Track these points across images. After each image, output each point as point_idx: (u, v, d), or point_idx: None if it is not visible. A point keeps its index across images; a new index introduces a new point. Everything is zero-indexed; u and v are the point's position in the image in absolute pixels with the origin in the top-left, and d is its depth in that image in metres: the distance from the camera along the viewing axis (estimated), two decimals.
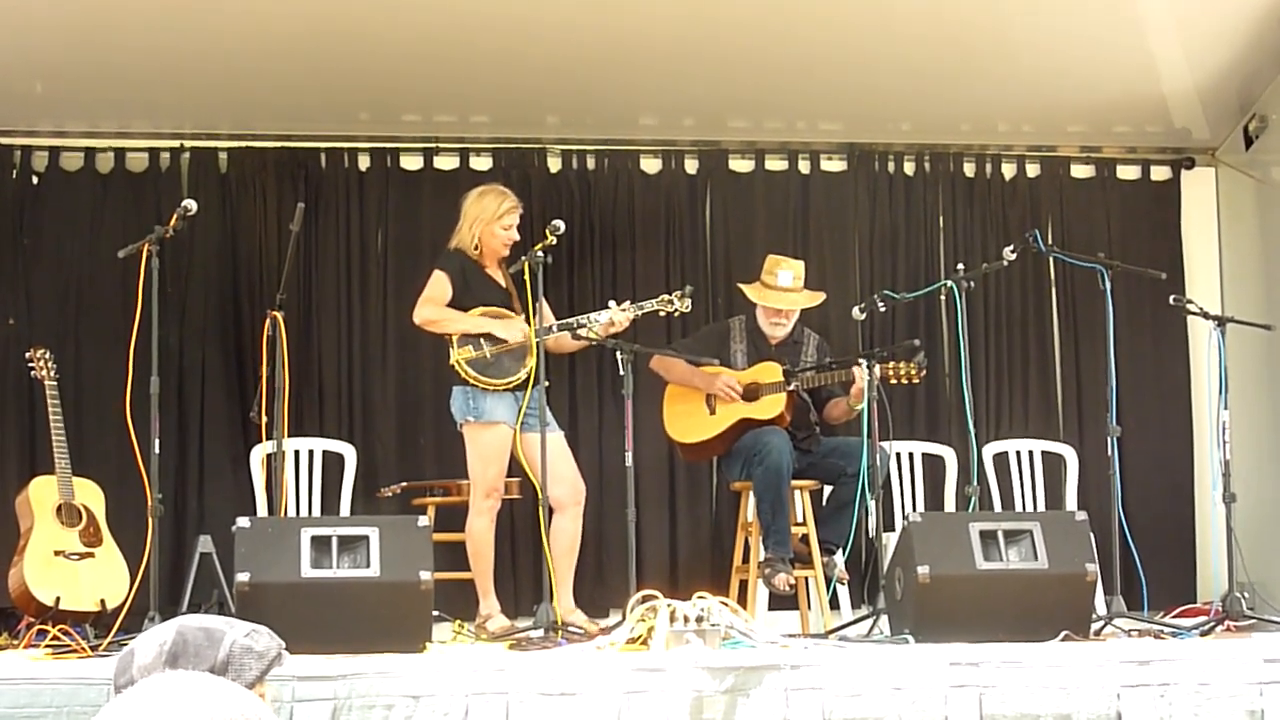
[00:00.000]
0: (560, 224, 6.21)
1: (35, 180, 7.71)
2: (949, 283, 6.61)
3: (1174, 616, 6.69)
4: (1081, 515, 5.71)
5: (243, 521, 5.26)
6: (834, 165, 8.21)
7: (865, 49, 7.33)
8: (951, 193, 8.23)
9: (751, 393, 6.73)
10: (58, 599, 6.04)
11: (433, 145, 7.96)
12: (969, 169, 8.26)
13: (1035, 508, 7.35)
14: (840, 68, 7.49)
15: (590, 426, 7.73)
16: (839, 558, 6.56)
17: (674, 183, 8.09)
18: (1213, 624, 5.93)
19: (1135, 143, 8.33)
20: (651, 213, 8.04)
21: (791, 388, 6.68)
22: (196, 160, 7.80)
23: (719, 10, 7.01)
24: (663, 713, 4.40)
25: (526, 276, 6.16)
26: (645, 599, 4.93)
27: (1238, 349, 6.97)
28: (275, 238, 7.61)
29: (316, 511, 7.03)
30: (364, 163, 7.93)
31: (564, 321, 6.38)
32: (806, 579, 6.76)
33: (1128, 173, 8.38)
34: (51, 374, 6.51)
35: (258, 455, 6.85)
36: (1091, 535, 5.63)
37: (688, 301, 6.50)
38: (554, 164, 8.03)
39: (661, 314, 6.58)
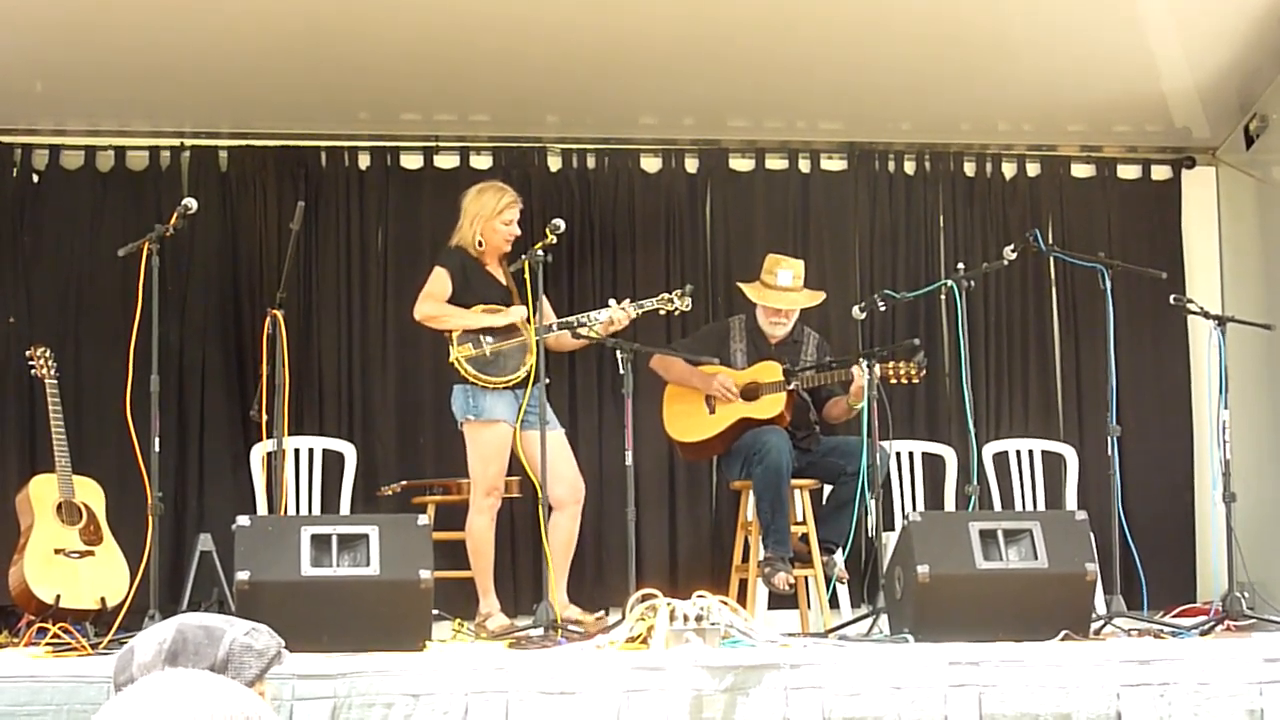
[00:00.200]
0: (560, 223, 6.21)
1: (35, 179, 7.71)
2: (949, 282, 6.61)
3: (1174, 616, 6.68)
4: (1081, 515, 5.71)
5: (242, 520, 5.26)
6: (834, 164, 8.21)
7: (865, 49, 7.32)
8: (952, 192, 8.23)
9: (751, 392, 6.73)
10: (58, 597, 6.04)
11: (433, 144, 7.96)
12: (969, 168, 8.26)
13: (1035, 507, 7.35)
14: (840, 67, 7.49)
15: (590, 425, 7.73)
16: (839, 557, 6.56)
17: (674, 182, 8.09)
18: (1213, 623, 5.93)
19: (1136, 142, 8.33)
20: (651, 212, 8.04)
21: (791, 387, 6.68)
22: (197, 159, 7.80)
23: (719, 10, 7.01)
24: (662, 711, 4.39)
25: (527, 275, 6.17)
26: (645, 598, 4.93)
27: (1238, 348, 6.97)
28: (275, 236, 7.61)
29: (316, 510, 7.03)
30: (364, 161, 7.93)
31: (564, 320, 6.38)
32: (806, 578, 6.76)
33: (1128, 172, 8.38)
34: (52, 372, 6.51)
35: (258, 454, 6.85)
36: (1091, 535, 5.63)
37: (688, 300, 6.51)
38: (554, 163, 8.03)
39: (662, 313, 6.59)
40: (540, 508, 6.01)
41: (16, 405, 7.44)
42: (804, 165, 8.15)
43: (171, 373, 7.27)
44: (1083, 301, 8.00)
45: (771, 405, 6.68)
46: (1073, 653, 4.81)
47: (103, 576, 6.19)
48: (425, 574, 5.19)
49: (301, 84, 7.41)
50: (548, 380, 6.17)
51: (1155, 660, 4.68)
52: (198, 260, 7.67)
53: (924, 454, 7.55)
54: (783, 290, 6.79)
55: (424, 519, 5.40)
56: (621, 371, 6.00)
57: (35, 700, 4.29)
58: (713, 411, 6.75)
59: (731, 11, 7.00)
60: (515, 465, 6.38)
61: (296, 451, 7.09)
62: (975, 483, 6.38)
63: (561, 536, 6.28)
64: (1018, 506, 7.35)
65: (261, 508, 6.67)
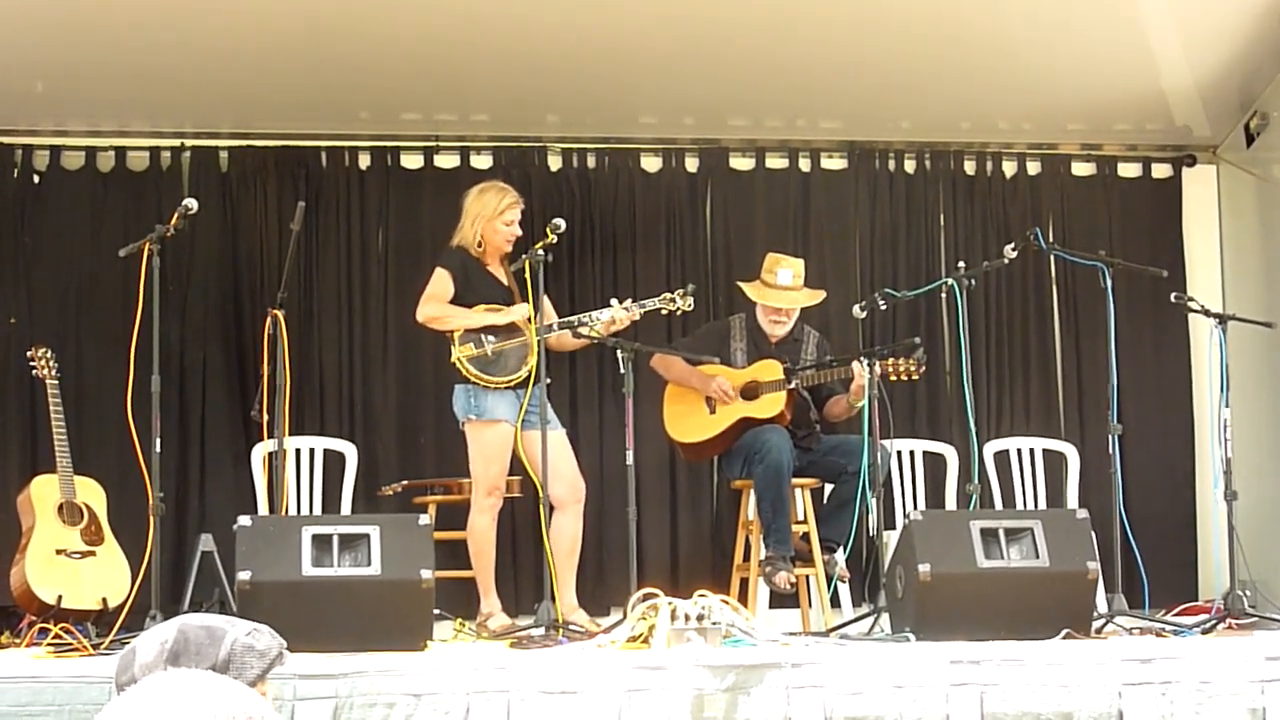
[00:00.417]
0: (561, 222, 6.21)
1: (36, 179, 7.72)
2: (950, 281, 6.61)
3: (1175, 614, 6.68)
4: (1083, 513, 5.71)
5: (244, 520, 5.27)
6: (834, 163, 8.21)
7: (865, 49, 7.32)
8: (952, 191, 8.23)
9: (751, 391, 6.73)
10: (59, 597, 6.04)
11: (433, 144, 7.96)
12: (969, 167, 8.25)
13: (1036, 506, 7.35)
14: (840, 67, 7.49)
15: (591, 425, 7.73)
16: (840, 556, 6.56)
17: (674, 181, 8.09)
18: (1214, 622, 5.93)
19: (1136, 140, 8.32)
20: (652, 211, 8.04)
21: (792, 386, 6.68)
22: (197, 159, 7.80)
23: (719, 10, 7.01)
24: (664, 711, 4.40)
25: (528, 275, 6.17)
26: (646, 597, 4.94)
27: (1239, 346, 6.97)
28: (276, 236, 7.61)
29: (317, 510, 7.03)
30: (364, 161, 7.93)
31: (565, 320, 6.38)
32: (807, 577, 6.76)
33: (1129, 170, 8.38)
34: (53, 373, 6.51)
35: (259, 454, 6.85)
36: (1093, 533, 5.63)
37: (689, 300, 6.50)
38: (554, 162, 8.03)
39: (663, 312, 6.59)
40: (541, 507, 6.02)
41: (17, 406, 7.44)
42: (804, 164, 8.15)
43: (172, 373, 7.26)
44: (1083, 300, 8.00)
45: (772, 404, 6.68)
46: (1074, 651, 4.81)
47: (104, 577, 6.19)
48: (426, 574, 5.20)
49: (301, 84, 7.41)
50: (549, 380, 6.17)
51: (1157, 659, 4.68)
52: (198, 260, 7.67)
53: (925, 453, 7.55)
54: (783, 289, 6.79)
55: (425, 519, 5.41)
56: (622, 371, 6.00)
57: (37, 701, 4.29)
58: (713, 411, 6.75)
59: (731, 11, 7.00)
60: (516, 465, 6.38)
61: (297, 451, 7.09)
62: (976, 481, 6.38)
63: (566, 540, 6.28)
64: (1019, 505, 7.34)
65: (262, 508, 6.67)
